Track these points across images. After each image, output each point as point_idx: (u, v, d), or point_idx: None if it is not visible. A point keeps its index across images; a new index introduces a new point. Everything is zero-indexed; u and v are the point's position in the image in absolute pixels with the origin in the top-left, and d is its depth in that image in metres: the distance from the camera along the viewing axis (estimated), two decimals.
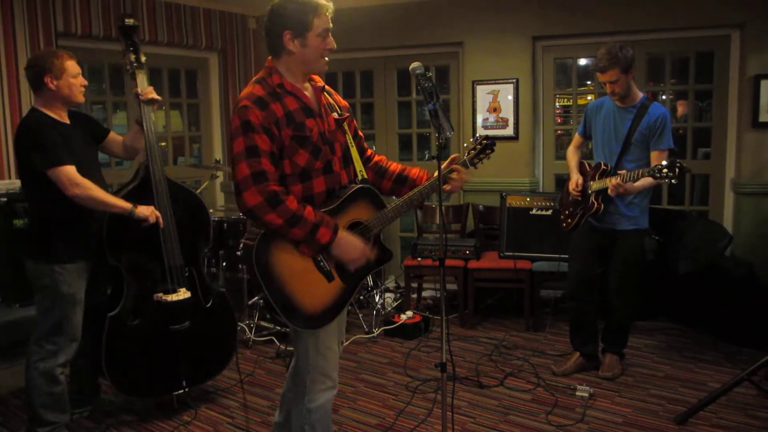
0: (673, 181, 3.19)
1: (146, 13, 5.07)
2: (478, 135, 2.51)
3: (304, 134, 2.25)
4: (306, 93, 2.33)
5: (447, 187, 2.45)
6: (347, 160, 2.43)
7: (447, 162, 2.47)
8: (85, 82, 3.11)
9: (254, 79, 2.31)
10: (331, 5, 2.26)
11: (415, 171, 2.55)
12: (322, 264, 2.30)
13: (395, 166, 2.58)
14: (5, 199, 3.92)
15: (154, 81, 5.43)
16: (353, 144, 2.46)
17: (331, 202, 2.33)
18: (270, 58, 2.31)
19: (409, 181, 2.53)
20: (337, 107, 2.45)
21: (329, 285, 2.32)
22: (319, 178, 2.31)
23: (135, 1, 4.98)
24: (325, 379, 2.41)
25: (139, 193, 3.22)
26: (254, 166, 2.15)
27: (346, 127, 2.45)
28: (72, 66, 3.03)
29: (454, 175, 2.44)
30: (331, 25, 2.26)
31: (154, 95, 3.29)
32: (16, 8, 4.25)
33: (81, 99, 3.11)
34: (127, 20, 3.33)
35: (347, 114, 2.47)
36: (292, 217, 2.17)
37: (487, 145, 2.50)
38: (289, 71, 2.28)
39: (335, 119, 2.40)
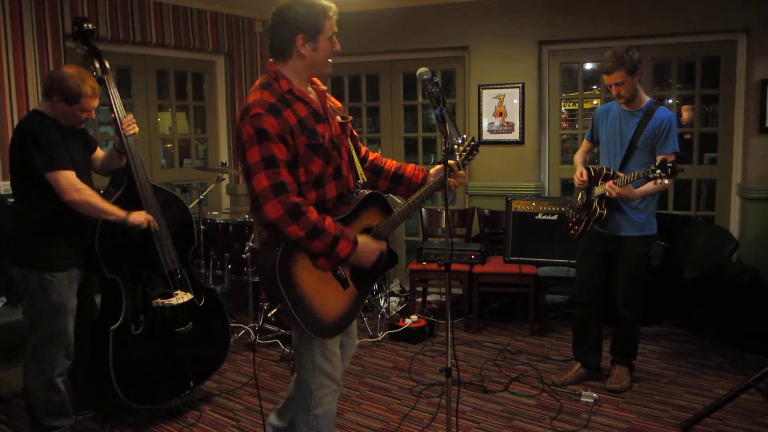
0: (665, 181, 3.17)
1: (153, 16, 5.08)
2: (463, 136, 2.49)
3: (317, 141, 2.22)
4: (312, 97, 2.31)
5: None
6: (352, 163, 2.43)
7: (437, 167, 2.49)
8: (93, 116, 3.08)
9: (259, 83, 2.26)
10: (335, 7, 2.25)
11: (410, 169, 2.56)
12: (339, 272, 2.31)
13: (390, 165, 2.58)
14: (11, 200, 3.92)
15: (160, 83, 5.45)
16: (353, 147, 2.46)
17: (344, 209, 2.33)
18: (272, 61, 2.28)
19: (404, 180, 2.55)
20: (334, 110, 2.43)
21: (344, 292, 2.34)
22: (330, 184, 2.30)
23: (142, 3, 5.00)
24: (331, 382, 2.41)
25: (126, 200, 3.18)
26: (273, 178, 2.11)
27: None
28: (87, 102, 2.96)
29: (451, 180, 2.41)
30: (336, 27, 2.25)
31: (135, 128, 3.25)
32: (25, 9, 4.27)
33: (76, 127, 3.08)
34: (85, 24, 3.23)
35: (350, 117, 2.47)
36: (314, 229, 2.15)
37: (475, 146, 2.51)
38: (296, 75, 2.25)
39: (339, 123, 2.38)
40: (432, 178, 2.50)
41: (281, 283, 2.17)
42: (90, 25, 3.25)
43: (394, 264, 2.53)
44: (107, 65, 3.28)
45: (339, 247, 2.21)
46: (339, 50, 2.28)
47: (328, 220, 2.20)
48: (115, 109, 3.24)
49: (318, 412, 2.39)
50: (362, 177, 2.46)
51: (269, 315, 4.59)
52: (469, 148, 2.50)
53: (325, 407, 2.40)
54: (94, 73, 3.22)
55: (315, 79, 2.37)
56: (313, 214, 2.16)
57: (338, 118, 2.39)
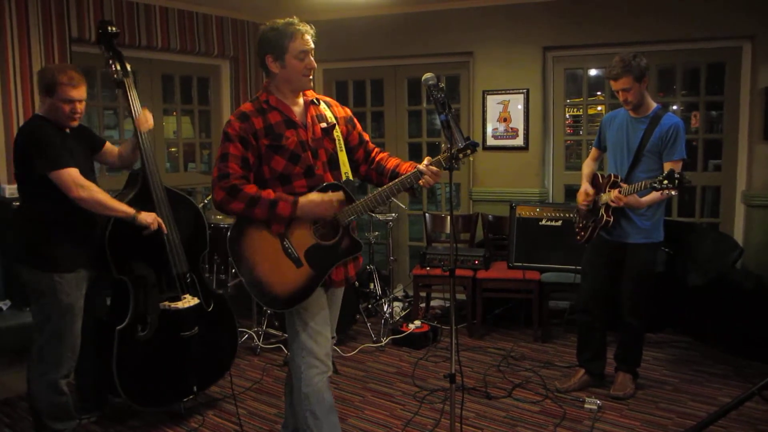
0: (672, 192, 3.17)
1: (159, 20, 5.10)
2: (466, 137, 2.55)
3: (279, 143, 2.52)
4: (294, 108, 2.60)
5: (421, 181, 2.53)
6: (334, 164, 2.63)
7: (423, 162, 2.57)
8: (78, 110, 3.00)
9: (252, 96, 2.63)
10: (309, 29, 2.53)
11: (405, 166, 2.68)
12: (290, 251, 2.52)
13: (391, 164, 2.75)
14: (17, 203, 3.94)
15: (165, 87, 5.47)
16: (342, 149, 2.67)
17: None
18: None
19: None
20: (328, 117, 2.66)
21: (298, 270, 2.53)
22: (300, 181, 2.55)
23: (148, 7, 5.02)
24: (318, 362, 2.59)
25: (138, 201, 3.19)
26: (222, 169, 2.47)
27: (337, 135, 2.66)
28: (64, 90, 2.92)
29: (427, 176, 2.51)
30: (310, 46, 2.52)
31: (149, 124, 3.28)
32: (31, 14, 4.29)
33: (67, 124, 3.02)
34: (109, 27, 3.24)
35: (334, 123, 2.67)
36: (251, 200, 2.45)
37: (467, 146, 2.50)
38: (278, 89, 2.59)
39: (322, 128, 2.62)
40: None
41: (232, 256, 2.52)
42: (114, 29, 3.27)
43: (356, 252, 2.66)
44: (128, 68, 3.31)
45: (278, 208, 2.45)
46: (313, 67, 2.55)
47: (267, 191, 2.48)
48: (133, 110, 3.27)
49: (307, 391, 2.57)
50: (347, 175, 2.65)
51: (229, 286, 4.61)
52: (452, 152, 2.50)
53: (314, 387, 2.57)
54: (114, 76, 3.25)
55: (309, 92, 2.65)
56: (250, 189, 2.47)
57: (322, 124, 2.63)
